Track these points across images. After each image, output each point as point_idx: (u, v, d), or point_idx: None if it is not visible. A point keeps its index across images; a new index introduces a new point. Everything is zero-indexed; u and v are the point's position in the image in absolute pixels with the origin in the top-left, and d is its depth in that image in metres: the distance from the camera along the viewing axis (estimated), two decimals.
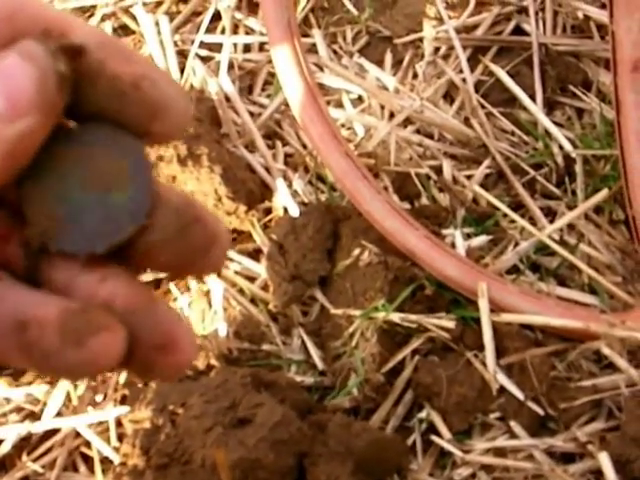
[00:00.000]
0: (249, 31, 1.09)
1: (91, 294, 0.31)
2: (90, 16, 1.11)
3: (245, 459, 0.72)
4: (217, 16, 1.09)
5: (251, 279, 0.91)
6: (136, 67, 0.31)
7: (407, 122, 0.99)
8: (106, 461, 0.83)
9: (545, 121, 0.97)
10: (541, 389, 0.79)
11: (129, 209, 0.31)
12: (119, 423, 0.84)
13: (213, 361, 0.84)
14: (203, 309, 0.89)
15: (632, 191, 0.85)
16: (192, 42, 1.06)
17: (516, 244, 0.89)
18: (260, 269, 0.90)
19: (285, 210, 0.92)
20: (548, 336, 0.83)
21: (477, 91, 1.00)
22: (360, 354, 0.82)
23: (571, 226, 0.90)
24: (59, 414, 0.86)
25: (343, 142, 0.89)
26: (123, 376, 0.87)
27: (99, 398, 0.87)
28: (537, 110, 0.98)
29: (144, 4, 1.10)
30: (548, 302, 0.83)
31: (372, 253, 0.84)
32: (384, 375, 0.82)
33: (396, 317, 0.82)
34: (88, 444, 0.85)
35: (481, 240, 0.89)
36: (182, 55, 1.06)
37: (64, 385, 0.87)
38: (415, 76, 1.04)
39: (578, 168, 0.93)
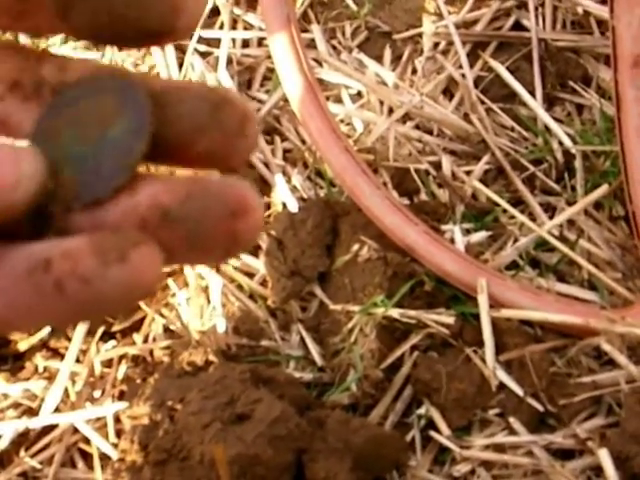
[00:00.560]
0: (247, 26, 1.09)
1: (127, 211, 0.30)
2: None
3: (243, 455, 0.72)
4: (216, 11, 1.09)
5: (250, 275, 0.91)
6: None
7: (406, 118, 0.99)
8: (104, 457, 0.83)
9: (545, 117, 0.96)
10: (541, 385, 0.79)
11: (128, 141, 0.30)
12: (117, 419, 0.84)
13: (212, 357, 0.83)
14: (202, 305, 0.89)
15: (632, 187, 0.85)
16: (190, 37, 1.06)
17: (515, 240, 0.89)
18: (259, 265, 0.90)
19: (284, 205, 0.91)
20: (547, 332, 0.83)
21: (476, 87, 1.00)
22: (359, 350, 0.81)
23: (571, 222, 0.90)
24: (57, 410, 0.86)
25: (342, 137, 0.89)
26: (121, 372, 0.87)
27: (97, 394, 0.87)
28: (537, 106, 0.97)
29: None
30: (548, 298, 0.83)
31: (371, 249, 0.84)
32: (383, 371, 0.82)
33: (395, 313, 0.82)
34: (86, 440, 0.85)
35: (480, 236, 0.88)
36: (180, 50, 1.06)
37: (62, 381, 0.87)
38: (414, 71, 1.03)
39: (578, 164, 0.93)
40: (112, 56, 1.06)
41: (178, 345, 0.87)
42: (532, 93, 0.99)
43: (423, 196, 0.93)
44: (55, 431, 0.85)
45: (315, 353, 0.85)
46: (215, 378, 0.78)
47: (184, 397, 0.78)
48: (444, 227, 0.88)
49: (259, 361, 0.85)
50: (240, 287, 0.90)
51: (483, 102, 0.99)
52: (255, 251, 0.91)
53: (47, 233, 0.30)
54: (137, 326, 0.90)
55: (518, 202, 0.93)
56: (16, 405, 0.87)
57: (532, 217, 0.91)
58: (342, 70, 1.01)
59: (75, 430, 0.85)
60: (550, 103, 1.00)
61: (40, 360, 0.89)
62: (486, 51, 1.03)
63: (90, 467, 0.84)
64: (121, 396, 0.86)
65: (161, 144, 0.31)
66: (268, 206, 0.94)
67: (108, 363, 0.88)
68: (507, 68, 1.01)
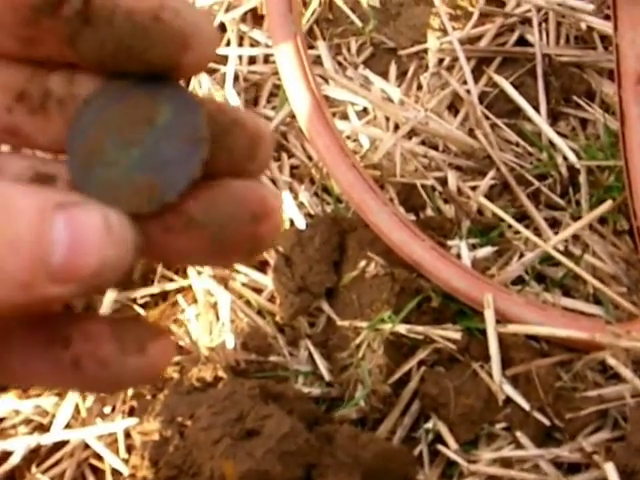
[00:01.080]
0: (254, 43, 1.10)
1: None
2: None
3: (253, 471, 0.73)
4: (222, 28, 1.10)
5: (258, 291, 0.91)
6: None
7: (412, 134, 0.99)
8: (115, 473, 0.84)
9: (549, 132, 0.97)
10: (547, 399, 0.80)
11: (185, 139, 0.30)
12: (128, 435, 0.85)
13: (221, 373, 0.84)
14: (210, 321, 0.90)
15: (636, 202, 0.85)
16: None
17: (521, 255, 0.90)
18: (267, 281, 0.90)
19: (291, 222, 0.92)
20: (553, 347, 0.83)
21: (481, 102, 1.01)
22: (367, 365, 0.82)
23: (576, 237, 0.90)
24: (68, 426, 0.87)
25: (350, 154, 0.89)
26: (131, 389, 0.88)
27: (107, 410, 0.88)
28: (541, 121, 0.98)
29: None
30: (553, 313, 0.83)
31: (378, 265, 0.85)
32: (391, 386, 0.82)
33: (402, 328, 0.82)
34: (97, 456, 0.85)
35: (486, 251, 0.89)
36: None
37: (73, 397, 0.87)
38: (420, 87, 1.04)
39: (582, 179, 0.93)
40: None
41: (187, 361, 0.87)
42: (536, 108, 0.99)
43: (429, 212, 0.94)
44: (66, 447, 0.86)
45: (323, 368, 0.86)
46: (224, 394, 0.78)
47: (194, 413, 0.78)
48: (450, 242, 0.89)
49: (268, 377, 0.85)
50: (248, 303, 0.91)
51: (488, 117, 0.99)
52: (263, 267, 0.92)
53: None
54: None
55: (523, 217, 0.93)
56: (27, 421, 0.88)
57: (537, 232, 0.91)
58: (348, 87, 1.02)
59: (86, 446, 0.86)
60: (554, 118, 1.00)
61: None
62: (490, 67, 1.04)
63: None
64: (131, 412, 0.87)
65: None
66: None
67: None
68: (511, 83, 1.01)
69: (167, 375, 0.88)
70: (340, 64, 1.07)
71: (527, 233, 0.89)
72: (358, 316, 0.84)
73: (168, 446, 0.77)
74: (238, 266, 0.92)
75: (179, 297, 0.92)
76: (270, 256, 0.91)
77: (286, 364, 0.87)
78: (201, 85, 1.03)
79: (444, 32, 1.06)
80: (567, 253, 0.88)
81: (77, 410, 0.87)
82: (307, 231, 0.89)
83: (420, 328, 0.82)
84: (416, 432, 0.83)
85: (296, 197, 0.94)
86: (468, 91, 1.01)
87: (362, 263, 0.85)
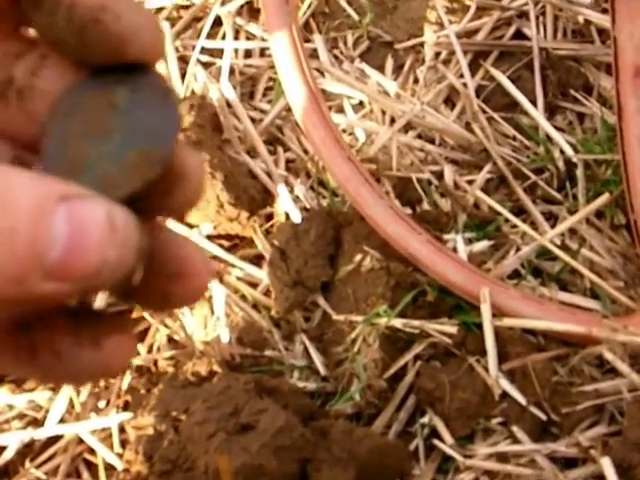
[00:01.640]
0: (250, 37, 1.09)
1: None
2: None
3: (248, 465, 0.72)
4: (218, 22, 1.09)
5: (253, 285, 0.91)
6: None
7: (408, 127, 0.99)
8: (109, 467, 0.83)
9: (546, 126, 0.97)
10: (543, 394, 0.79)
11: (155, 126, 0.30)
12: (122, 429, 0.85)
13: (216, 367, 0.84)
14: (205, 315, 0.89)
15: (633, 195, 0.85)
16: (193, 48, 1.07)
17: (518, 249, 0.89)
18: (262, 275, 0.90)
19: (287, 216, 0.92)
20: (550, 341, 0.83)
21: (478, 96, 1.00)
22: (362, 360, 0.82)
23: (573, 231, 0.90)
24: (62, 420, 0.86)
25: (345, 147, 0.89)
26: (126, 382, 0.87)
27: (102, 404, 0.87)
28: (538, 115, 0.98)
29: None
30: (550, 307, 0.83)
31: (374, 259, 0.84)
32: (386, 380, 0.82)
33: (398, 323, 0.82)
34: (91, 450, 0.85)
35: (483, 245, 0.89)
36: (183, 61, 1.06)
37: (67, 392, 0.87)
38: (416, 81, 1.04)
39: (579, 173, 0.93)
40: None
41: (182, 355, 0.87)
42: (533, 102, 0.99)
43: (425, 206, 0.93)
44: (60, 442, 0.85)
45: (319, 363, 0.86)
46: (219, 388, 0.78)
47: (188, 407, 0.78)
48: (446, 236, 0.89)
49: (263, 371, 0.85)
50: (244, 297, 0.90)
51: (485, 111, 0.99)
52: (258, 261, 0.92)
53: None
54: (141, 336, 0.91)
55: (520, 211, 0.93)
56: (21, 416, 0.87)
57: (534, 226, 0.91)
58: (344, 80, 1.02)
59: (80, 441, 0.85)
60: (551, 112, 1.00)
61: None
62: (487, 60, 1.03)
63: (95, 477, 0.84)
64: (125, 406, 0.86)
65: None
66: (271, 216, 0.94)
67: None
68: (508, 77, 1.01)
69: (162, 369, 0.87)
70: (336, 57, 1.07)
71: (524, 227, 0.89)
72: (354, 310, 0.84)
73: (162, 441, 0.77)
74: (233, 260, 0.91)
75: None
76: (265, 250, 0.91)
77: (281, 358, 0.87)
78: (197, 78, 1.03)
79: (441, 26, 1.06)
80: (564, 247, 0.88)
81: (71, 405, 0.87)
82: (302, 225, 0.88)
83: (416, 322, 0.82)
84: (412, 427, 0.83)
85: (292, 191, 0.94)
86: (465, 85, 1.01)
87: (358, 257, 0.85)
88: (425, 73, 1.03)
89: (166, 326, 0.90)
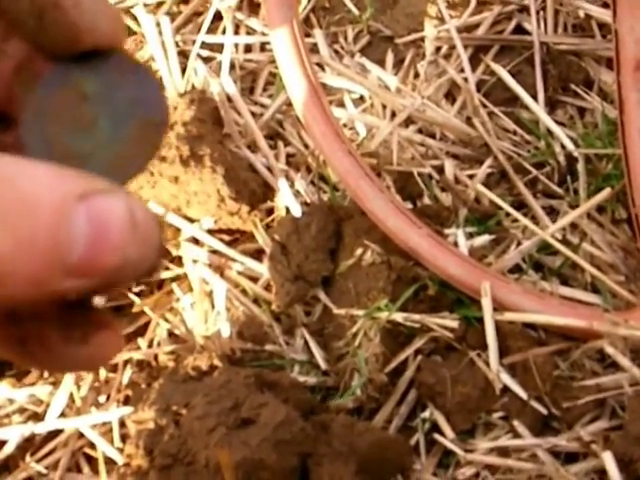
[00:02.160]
0: (250, 31, 1.09)
1: None
2: None
3: (248, 459, 0.72)
4: (218, 16, 1.09)
5: (254, 279, 0.91)
6: None
7: (409, 121, 0.99)
8: (110, 462, 0.83)
9: (547, 120, 0.97)
10: (544, 388, 0.79)
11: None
12: (122, 424, 0.85)
13: (216, 361, 0.84)
14: (206, 310, 0.89)
15: (635, 190, 0.85)
16: (193, 42, 1.06)
17: (519, 243, 0.89)
18: (263, 269, 0.90)
19: (287, 210, 0.92)
20: (551, 335, 0.83)
21: (479, 90, 1.00)
22: (363, 354, 0.82)
23: (574, 225, 0.90)
24: (62, 415, 0.86)
25: (346, 141, 0.89)
26: (126, 377, 0.87)
27: (102, 399, 0.87)
28: (539, 109, 0.98)
29: (145, 5, 1.10)
30: (551, 301, 0.83)
31: (375, 253, 0.84)
32: (387, 375, 0.82)
33: (399, 317, 0.82)
34: (91, 445, 0.85)
35: (483, 239, 0.88)
36: (183, 55, 1.06)
37: (67, 386, 0.87)
38: (417, 75, 1.04)
39: (580, 167, 0.93)
40: None
41: (183, 350, 0.87)
42: (534, 96, 0.99)
43: (426, 200, 0.93)
44: (60, 436, 0.85)
45: (319, 357, 0.85)
46: (220, 383, 0.78)
47: (189, 402, 0.78)
48: (447, 231, 0.88)
49: (263, 365, 0.85)
50: (244, 292, 0.90)
51: (485, 106, 0.99)
52: (259, 256, 0.92)
53: None
54: (142, 331, 0.91)
55: (521, 205, 0.93)
56: (22, 410, 0.87)
57: (535, 220, 0.91)
58: (345, 74, 1.02)
59: (80, 435, 0.85)
60: (552, 106, 1.00)
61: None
62: (488, 55, 1.03)
63: (95, 472, 0.84)
64: (126, 401, 0.86)
65: None
66: (272, 211, 0.94)
67: (113, 368, 0.89)
68: (509, 72, 1.01)
69: (162, 364, 0.87)
70: (337, 52, 1.07)
71: (525, 221, 0.89)
72: (354, 304, 0.84)
73: (163, 435, 0.77)
74: (234, 254, 0.91)
75: (174, 286, 0.91)
76: (266, 244, 0.90)
77: (282, 353, 0.86)
78: (197, 73, 1.03)
79: (441, 20, 1.06)
80: (565, 241, 0.88)
81: (72, 399, 0.87)
82: (303, 219, 0.88)
83: (417, 316, 0.82)
84: (412, 421, 0.83)
85: (292, 185, 0.94)
86: (465, 79, 1.01)
87: (358, 251, 0.85)
88: (426, 67, 1.03)
89: (167, 320, 0.90)
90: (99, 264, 0.25)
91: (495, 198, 0.91)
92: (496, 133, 0.97)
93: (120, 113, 0.29)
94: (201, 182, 0.90)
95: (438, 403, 0.81)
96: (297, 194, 0.93)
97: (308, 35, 1.06)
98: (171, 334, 0.90)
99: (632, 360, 0.79)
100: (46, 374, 0.89)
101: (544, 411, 0.79)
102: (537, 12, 1.04)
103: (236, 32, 1.09)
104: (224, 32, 1.08)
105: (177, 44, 1.06)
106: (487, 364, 0.80)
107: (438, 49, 1.05)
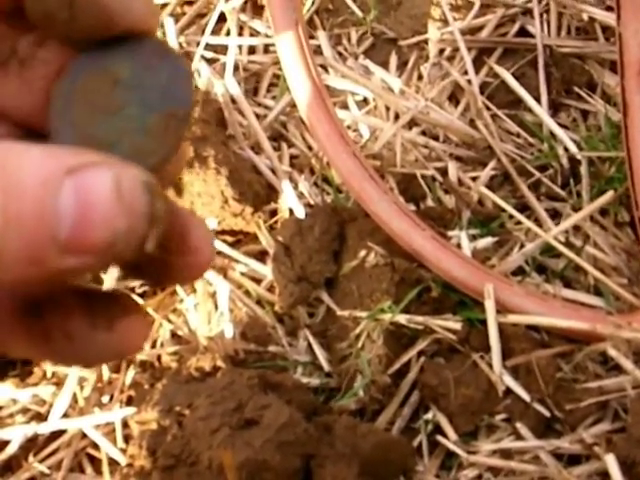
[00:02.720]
0: (254, 33, 1.09)
1: None
2: None
3: (252, 460, 0.72)
4: (222, 18, 1.09)
5: (257, 281, 0.91)
6: None
7: (412, 124, 0.99)
8: (113, 462, 0.84)
9: (550, 123, 0.97)
10: (547, 391, 0.79)
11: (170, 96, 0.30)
12: (125, 424, 0.85)
13: (219, 362, 0.84)
14: (209, 311, 0.89)
15: (638, 193, 0.85)
16: (197, 44, 1.07)
17: (522, 246, 0.89)
18: (266, 271, 0.90)
19: (291, 212, 0.92)
20: (554, 337, 0.83)
21: (482, 93, 1.00)
22: (366, 355, 0.82)
23: (577, 228, 0.90)
24: (65, 415, 0.86)
25: (350, 142, 0.89)
26: (129, 377, 0.87)
27: (105, 399, 0.87)
28: (542, 112, 0.98)
29: None
30: (554, 303, 0.83)
31: (378, 255, 0.84)
32: (390, 376, 0.82)
33: (402, 319, 0.82)
34: (94, 445, 0.85)
35: (487, 242, 0.89)
36: (187, 57, 1.06)
37: (70, 386, 0.87)
38: (420, 78, 1.04)
39: (583, 170, 0.93)
40: None
41: (186, 351, 0.87)
42: (537, 99, 0.99)
43: (429, 202, 0.93)
44: (64, 436, 0.85)
45: (322, 359, 0.86)
46: (223, 384, 0.78)
47: (192, 403, 0.78)
48: (450, 233, 0.89)
49: (267, 367, 0.85)
50: (248, 293, 0.90)
51: (489, 108, 0.99)
52: (262, 257, 0.92)
53: None
54: None
55: (524, 208, 0.93)
56: (25, 410, 0.87)
57: (538, 223, 0.91)
58: (348, 76, 1.02)
59: (83, 435, 0.85)
60: (555, 109, 1.00)
61: (48, 365, 0.89)
62: (491, 57, 1.03)
63: (98, 472, 0.84)
64: (129, 401, 0.87)
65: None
66: (275, 212, 0.94)
67: (116, 368, 0.89)
68: (512, 74, 1.01)
69: (165, 364, 0.87)
70: (340, 54, 1.07)
71: (528, 223, 0.89)
72: (358, 306, 0.84)
73: (166, 435, 0.77)
74: (237, 255, 0.91)
75: (178, 287, 0.91)
76: (269, 245, 0.91)
77: (285, 354, 0.87)
78: (201, 74, 1.03)
79: (445, 22, 1.06)
80: (568, 244, 0.88)
81: (75, 399, 0.87)
82: (307, 221, 0.88)
83: (420, 318, 0.82)
84: (415, 423, 0.83)
85: (296, 187, 0.94)
86: (469, 81, 1.01)
87: (362, 253, 0.85)
88: (429, 70, 1.03)
89: (170, 321, 0.90)
90: (89, 239, 0.25)
91: (498, 200, 0.91)
92: (499, 135, 0.97)
93: (149, 101, 0.29)
94: (205, 183, 0.90)
95: (441, 405, 0.81)
96: (301, 195, 0.93)
97: (312, 37, 1.07)
98: (174, 335, 0.90)
99: (635, 363, 0.79)
100: (49, 374, 0.89)
101: (547, 413, 0.79)
102: (541, 15, 1.04)
103: (240, 34, 1.09)
104: (228, 33, 1.08)
105: (181, 45, 1.07)
106: (490, 366, 0.81)
107: (442, 51, 1.05)
